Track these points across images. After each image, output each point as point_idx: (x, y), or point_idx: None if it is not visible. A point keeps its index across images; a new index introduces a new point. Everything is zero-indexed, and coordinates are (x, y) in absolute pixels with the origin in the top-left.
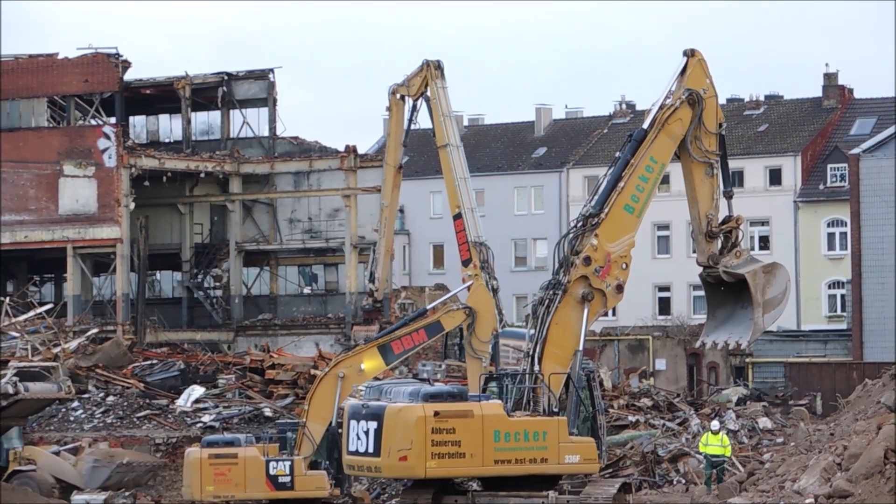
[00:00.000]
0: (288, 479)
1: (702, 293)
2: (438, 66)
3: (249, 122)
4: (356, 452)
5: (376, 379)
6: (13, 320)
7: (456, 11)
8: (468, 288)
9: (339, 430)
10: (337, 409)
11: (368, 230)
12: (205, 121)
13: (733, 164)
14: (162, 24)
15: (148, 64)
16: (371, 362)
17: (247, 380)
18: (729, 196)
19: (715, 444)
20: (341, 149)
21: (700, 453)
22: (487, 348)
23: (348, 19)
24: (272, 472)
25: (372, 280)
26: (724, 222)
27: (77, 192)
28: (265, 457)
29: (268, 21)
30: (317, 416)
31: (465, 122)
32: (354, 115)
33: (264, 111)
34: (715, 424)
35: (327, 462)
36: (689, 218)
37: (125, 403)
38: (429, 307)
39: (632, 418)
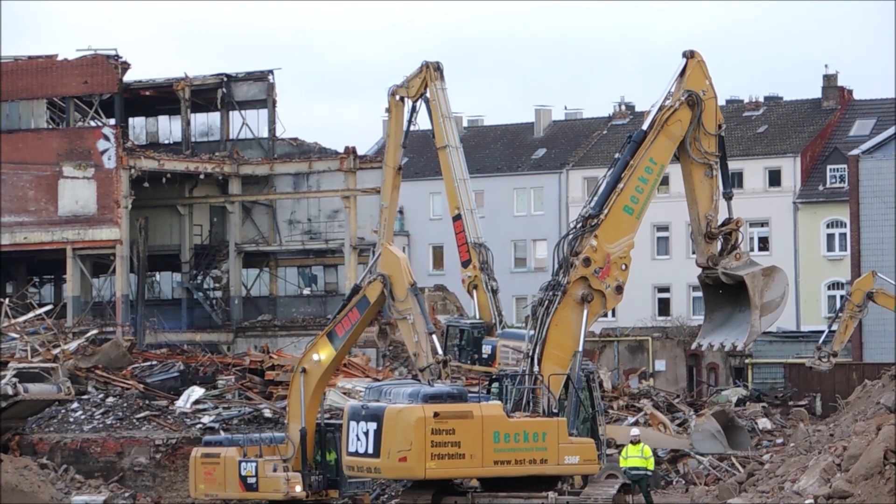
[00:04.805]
0: (254, 479)
1: (701, 294)
2: (438, 68)
3: (249, 124)
4: (356, 453)
5: (371, 379)
6: (13, 321)
7: (456, 12)
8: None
9: (320, 428)
10: (303, 406)
11: (368, 231)
12: (204, 122)
13: (733, 166)
14: (162, 25)
15: (147, 65)
16: (324, 351)
17: (246, 381)
18: (728, 197)
19: (635, 455)
20: (341, 150)
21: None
22: (409, 304)
23: (348, 19)
24: (243, 472)
25: None
26: (723, 224)
27: (76, 193)
28: (240, 458)
29: (267, 21)
30: (294, 416)
31: (465, 124)
32: (354, 117)
33: (264, 112)
34: (634, 431)
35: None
36: (688, 219)
37: (125, 404)
38: (358, 282)
39: (631, 419)
